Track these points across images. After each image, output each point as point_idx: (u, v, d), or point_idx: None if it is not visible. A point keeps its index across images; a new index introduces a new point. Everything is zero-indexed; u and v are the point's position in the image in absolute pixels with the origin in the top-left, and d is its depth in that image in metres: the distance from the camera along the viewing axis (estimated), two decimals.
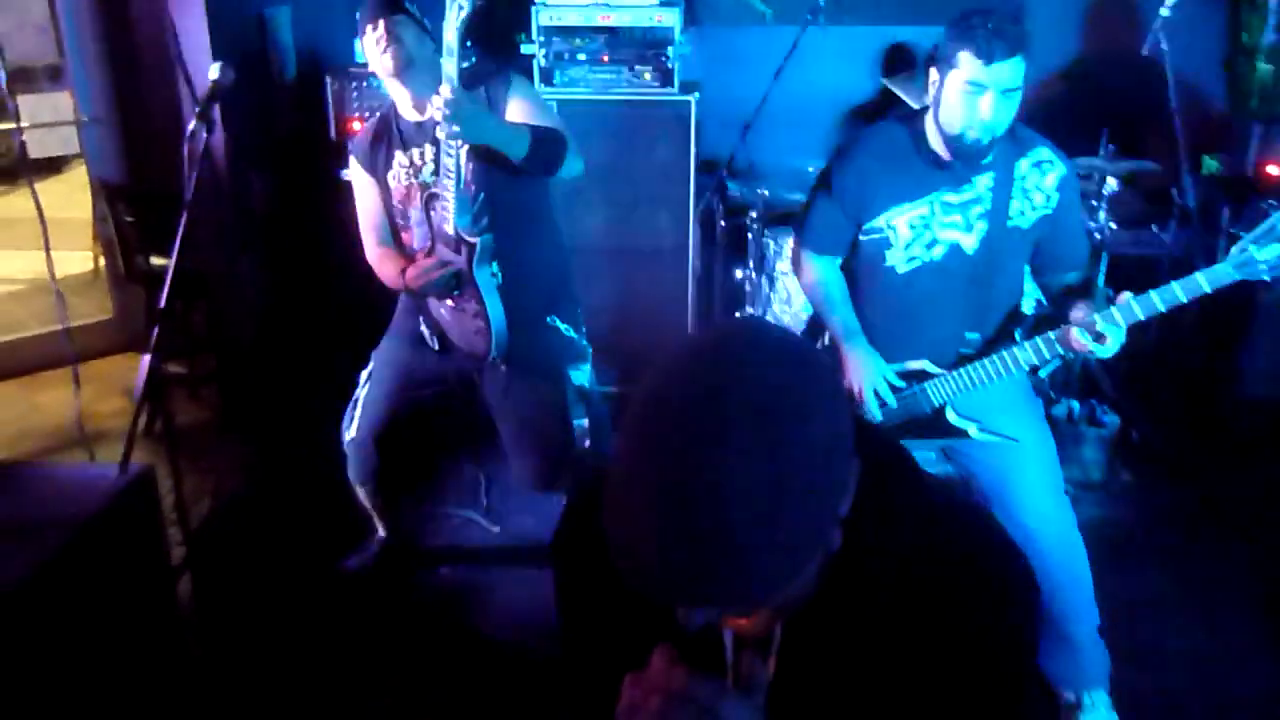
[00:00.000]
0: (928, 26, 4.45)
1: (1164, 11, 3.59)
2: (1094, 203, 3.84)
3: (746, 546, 0.88)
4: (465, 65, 2.39)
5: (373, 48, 2.55)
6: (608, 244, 4.06)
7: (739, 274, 4.05)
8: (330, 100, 4.00)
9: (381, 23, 2.50)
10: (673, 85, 3.98)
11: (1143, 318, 2.17)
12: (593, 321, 2.96)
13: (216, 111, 2.51)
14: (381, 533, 3.16)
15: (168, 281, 2.42)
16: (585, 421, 2.78)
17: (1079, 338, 2.21)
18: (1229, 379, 3.99)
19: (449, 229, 2.51)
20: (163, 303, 2.43)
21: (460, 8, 2.29)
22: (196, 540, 2.78)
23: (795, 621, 1.09)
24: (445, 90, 2.31)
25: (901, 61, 4.68)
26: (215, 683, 2.60)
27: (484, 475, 3.65)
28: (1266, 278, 2.09)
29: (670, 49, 3.93)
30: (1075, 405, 3.95)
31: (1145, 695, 2.60)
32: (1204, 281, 2.11)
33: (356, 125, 3.94)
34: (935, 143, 2.36)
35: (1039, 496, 2.40)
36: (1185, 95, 3.82)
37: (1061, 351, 2.31)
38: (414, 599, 3.12)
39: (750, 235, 4.00)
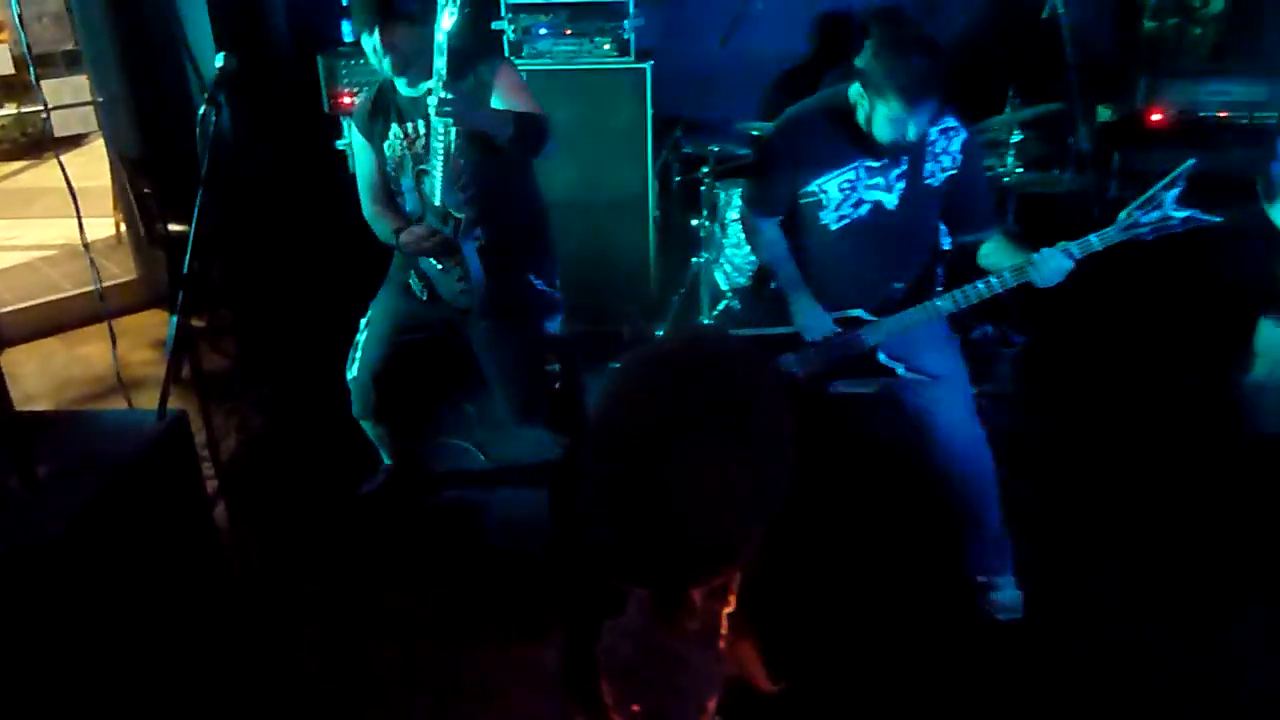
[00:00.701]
0: None
1: None
2: (1003, 150, 3.91)
3: (700, 544, 0.92)
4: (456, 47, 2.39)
5: (371, 52, 2.55)
6: (577, 198, 4.06)
7: (694, 222, 4.08)
8: (323, 76, 3.97)
9: (378, 31, 2.49)
10: (630, 54, 3.97)
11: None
12: (564, 268, 2.99)
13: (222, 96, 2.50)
14: (389, 461, 3.23)
15: (189, 249, 2.44)
16: (558, 365, 2.86)
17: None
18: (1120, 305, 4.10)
19: (437, 203, 2.54)
20: (185, 268, 2.46)
21: (451, 14, 2.28)
22: (228, 473, 2.84)
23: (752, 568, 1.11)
24: (438, 86, 2.31)
25: (834, 27, 4.68)
26: (253, 595, 2.68)
27: (476, 410, 3.72)
28: (1149, 238, 2.21)
29: (626, 22, 3.92)
30: (990, 329, 4.06)
31: (1044, 574, 2.71)
32: (1096, 241, 2.23)
33: (347, 99, 3.91)
34: (863, 122, 2.41)
35: (955, 420, 2.52)
36: (1080, 51, 3.86)
37: (974, 299, 2.40)
38: (421, 517, 3.19)
39: (703, 187, 4.02)
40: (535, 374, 2.86)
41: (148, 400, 2.41)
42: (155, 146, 4.44)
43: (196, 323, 4.05)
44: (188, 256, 2.45)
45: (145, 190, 4.14)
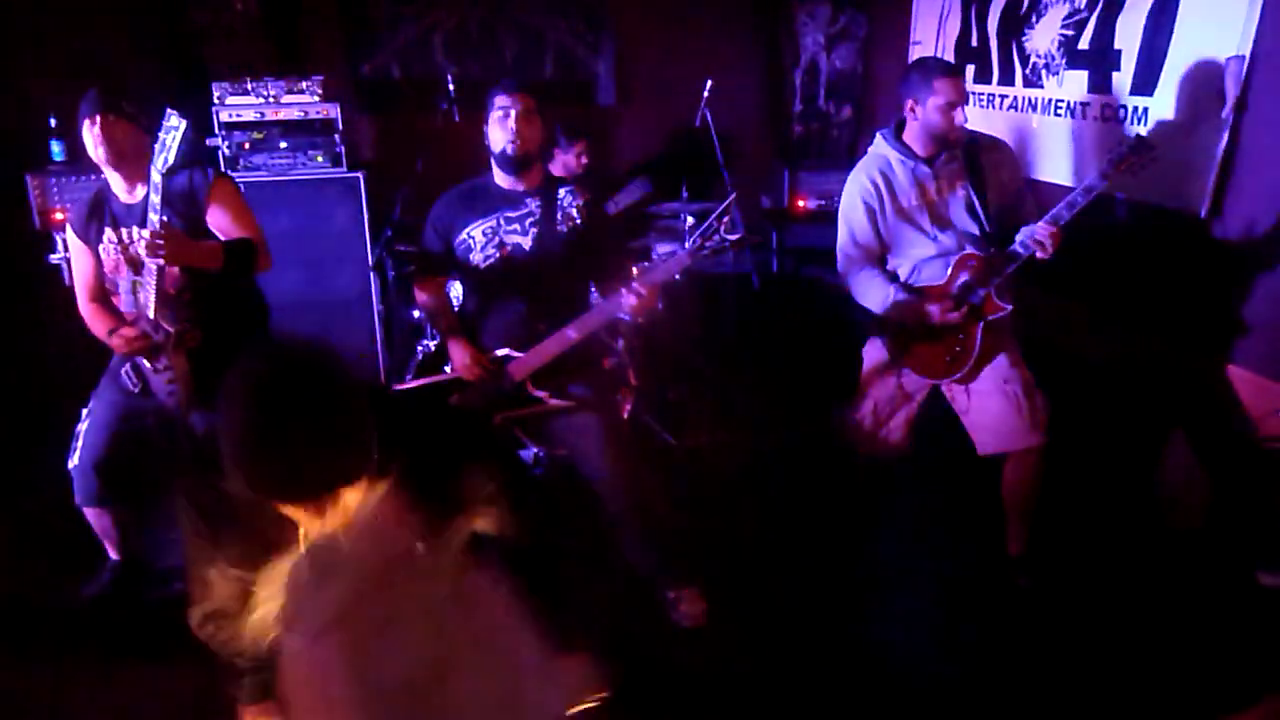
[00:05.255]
0: None
1: (705, 94, 4.27)
2: (680, 235, 4.45)
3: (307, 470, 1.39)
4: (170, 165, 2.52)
5: (89, 140, 2.64)
6: (304, 297, 4.24)
7: (416, 314, 4.32)
8: (33, 195, 3.94)
9: (98, 119, 2.60)
10: (343, 165, 4.21)
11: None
12: None
13: None
14: (115, 557, 3.18)
15: None
16: None
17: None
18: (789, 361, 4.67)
19: (150, 314, 2.66)
20: None
21: (166, 161, 2.43)
22: None
23: None
24: (151, 226, 2.45)
25: None
26: None
27: None
28: (713, 258, 2.74)
29: (337, 135, 4.17)
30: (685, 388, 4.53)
31: (723, 587, 3.03)
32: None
33: (59, 215, 3.91)
34: (500, 179, 2.91)
35: (601, 449, 2.78)
36: (743, 150, 4.47)
37: (600, 319, 2.78)
38: (150, 611, 3.10)
39: None
40: None
41: None
42: None
43: None
44: None
45: None
